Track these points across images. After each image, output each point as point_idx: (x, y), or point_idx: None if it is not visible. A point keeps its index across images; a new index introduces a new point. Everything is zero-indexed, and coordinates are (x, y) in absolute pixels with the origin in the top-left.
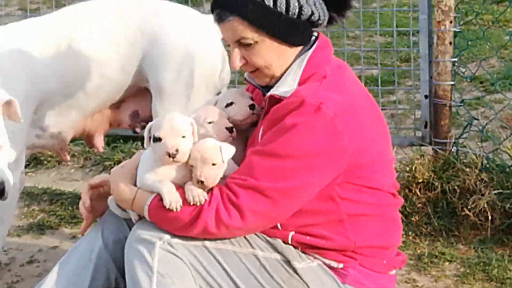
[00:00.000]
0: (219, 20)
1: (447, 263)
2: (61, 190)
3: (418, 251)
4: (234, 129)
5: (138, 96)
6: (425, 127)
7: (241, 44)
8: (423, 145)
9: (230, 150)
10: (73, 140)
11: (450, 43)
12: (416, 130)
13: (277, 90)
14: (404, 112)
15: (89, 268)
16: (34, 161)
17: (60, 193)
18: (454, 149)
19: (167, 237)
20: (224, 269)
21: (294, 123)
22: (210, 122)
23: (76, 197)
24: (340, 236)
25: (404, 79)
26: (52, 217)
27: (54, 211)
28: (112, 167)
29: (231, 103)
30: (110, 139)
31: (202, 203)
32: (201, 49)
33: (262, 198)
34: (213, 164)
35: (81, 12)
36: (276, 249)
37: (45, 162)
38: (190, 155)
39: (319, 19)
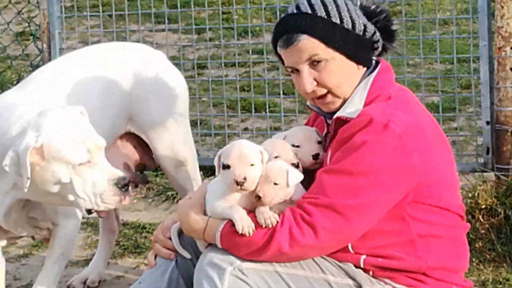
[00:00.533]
0: (288, 44)
1: None
2: (124, 220)
3: (483, 277)
4: (299, 165)
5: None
6: (487, 153)
7: (311, 65)
8: (486, 171)
9: (297, 176)
10: (139, 170)
11: (511, 69)
12: (478, 157)
13: (344, 112)
14: (465, 139)
15: (162, 287)
16: None
17: (123, 223)
18: None
19: (237, 262)
20: None
21: (363, 140)
22: (276, 157)
23: (139, 227)
24: (412, 256)
25: (465, 106)
26: (115, 247)
27: (118, 241)
28: (174, 197)
29: (297, 146)
30: None
31: (274, 225)
32: (180, 82)
33: (335, 216)
34: (275, 184)
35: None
36: (348, 274)
37: None
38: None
39: (378, 40)
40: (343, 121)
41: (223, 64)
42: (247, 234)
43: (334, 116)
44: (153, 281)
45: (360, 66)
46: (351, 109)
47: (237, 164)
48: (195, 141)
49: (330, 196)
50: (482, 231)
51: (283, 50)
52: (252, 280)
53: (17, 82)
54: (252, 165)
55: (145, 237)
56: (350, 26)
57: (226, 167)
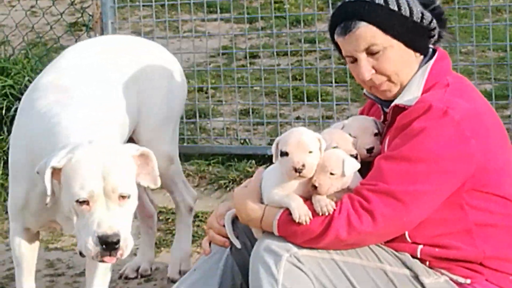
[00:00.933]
0: (346, 31)
1: None
2: None
3: None
4: (358, 157)
5: None
6: None
7: (369, 53)
8: None
9: (354, 165)
10: (188, 159)
11: None
12: None
13: (402, 100)
14: None
15: (216, 273)
16: None
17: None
18: None
19: (294, 250)
20: (351, 283)
21: (422, 127)
22: (334, 147)
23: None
24: (469, 246)
25: None
26: (168, 235)
27: (171, 229)
28: (227, 186)
29: (354, 137)
30: (225, 158)
31: (331, 212)
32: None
33: (394, 202)
34: (332, 174)
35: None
36: (404, 264)
37: None
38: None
39: (435, 28)
40: (401, 109)
41: (275, 53)
42: (304, 223)
43: (392, 104)
44: (207, 269)
45: (418, 54)
46: (409, 97)
47: (295, 151)
48: (247, 130)
49: (389, 182)
50: None
51: (341, 38)
52: (308, 268)
53: None
54: (310, 152)
55: (198, 225)
56: (407, 13)
57: (284, 154)
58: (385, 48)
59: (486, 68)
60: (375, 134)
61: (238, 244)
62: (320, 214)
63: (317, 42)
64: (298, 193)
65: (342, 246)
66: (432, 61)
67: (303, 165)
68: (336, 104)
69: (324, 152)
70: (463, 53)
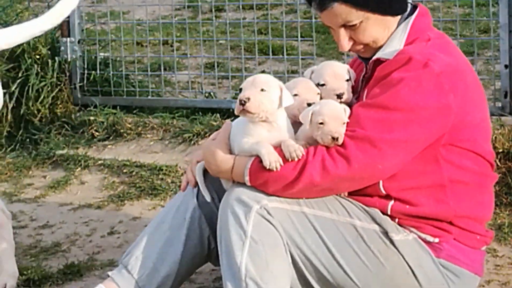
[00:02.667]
0: (321, 8)
1: None
2: (140, 162)
3: (499, 221)
4: None
5: None
6: (505, 97)
7: (346, 26)
8: (503, 115)
9: (349, 111)
10: (152, 112)
11: None
12: (495, 101)
13: (382, 53)
14: (483, 83)
15: (183, 227)
16: (114, 134)
17: (139, 165)
18: None
19: (265, 201)
20: (320, 236)
21: (401, 77)
22: (295, 95)
23: (156, 169)
24: (441, 203)
25: (484, 50)
26: (132, 188)
27: (134, 183)
28: (191, 139)
29: (322, 84)
30: (189, 111)
31: (300, 157)
32: None
33: (370, 148)
34: (343, 123)
35: None
36: (374, 220)
37: (125, 134)
38: (317, 113)
39: None
40: (381, 62)
41: (240, 7)
42: (275, 169)
43: (373, 58)
44: (174, 221)
45: (396, 16)
46: (390, 49)
47: (247, 87)
48: (212, 84)
49: (366, 128)
50: (499, 175)
51: (317, 12)
52: (277, 220)
53: None
54: (262, 90)
55: (162, 179)
56: None
57: (240, 90)
58: (361, 21)
59: (452, 24)
60: (347, 80)
61: (208, 197)
62: (290, 160)
63: None
64: (268, 141)
65: (316, 191)
66: (413, 17)
67: (248, 98)
68: (302, 59)
69: (326, 104)
70: (429, 9)
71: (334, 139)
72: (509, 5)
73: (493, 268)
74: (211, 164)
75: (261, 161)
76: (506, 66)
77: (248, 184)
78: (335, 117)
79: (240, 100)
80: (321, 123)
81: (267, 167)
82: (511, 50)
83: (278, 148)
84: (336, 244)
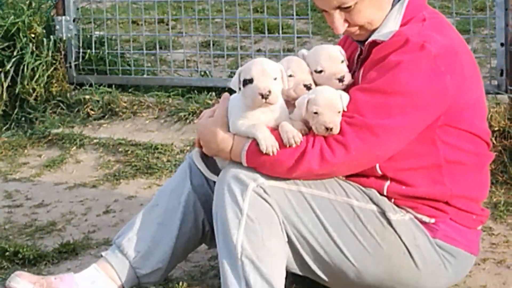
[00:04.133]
0: None
1: None
2: (136, 141)
3: (494, 200)
4: (312, 87)
5: None
6: (501, 75)
7: (341, 8)
8: (499, 93)
9: (346, 98)
10: (148, 91)
11: None
12: (491, 79)
13: (378, 34)
14: (479, 61)
15: (178, 211)
16: (109, 113)
17: (135, 144)
18: None
19: (261, 180)
20: (317, 215)
21: (399, 60)
22: (290, 75)
23: (151, 148)
24: (437, 184)
25: (480, 28)
26: (127, 167)
27: (130, 161)
28: (186, 118)
29: (320, 71)
30: (185, 90)
31: (298, 144)
32: None
33: (368, 135)
34: (338, 112)
35: None
36: (371, 200)
37: (120, 113)
38: (312, 101)
39: None
40: (377, 44)
41: None
42: (271, 154)
43: (369, 39)
44: (169, 204)
45: None
46: (386, 31)
47: (260, 77)
48: (208, 62)
49: (365, 115)
50: (495, 153)
51: None
52: (273, 199)
53: (30, 3)
54: (274, 79)
55: (157, 157)
56: None
57: (249, 81)
58: (356, 3)
59: (448, 2)
60: (342, 62)
61: (215, 178)
62: (288, 145)
63: None
64: (265, 123)
65: (313, 177)
66: None
67: (269, 91)
68: (297, 37)
69: (320, 92)
70: None
71: (328, 129)
72: None
73: (488, 246)
74: (210, 143)
75: (257, 144)
76: (502, 44)
77: (245, 165)
78: (329, 107)
79: (262, 94)
80: (316, 113)
81: (264, 152)
82: (507, 28)
83: (276, 131)
84: (333, 224)
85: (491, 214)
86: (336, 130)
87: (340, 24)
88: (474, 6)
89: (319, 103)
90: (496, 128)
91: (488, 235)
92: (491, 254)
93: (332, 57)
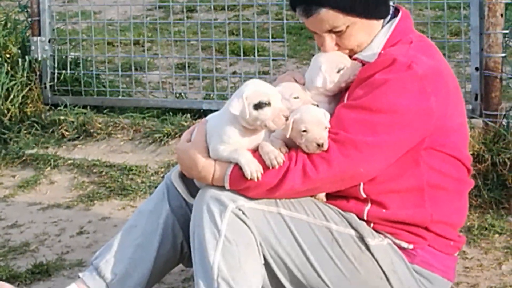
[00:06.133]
0: (307, 14)
1: (496, 235)
2: (110, 162)
3: (468, 223)
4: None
5: None
6: (476, 99)
7: (332, 32)
8: (474, 118)
9: (328, 115)
10: (123, 112)
11: (502, 15)
12: (466, 103)
13: (361, 55)
14: None
15: (156, 233)
16: (84, 134)
17: (109, 165)
18: (504, 121)
19: (241, 202)
20: (295, 238)
21: (385, 79)
22: (296, 97)
23: (126, 169)
24: (418, 207)
25: (455, 53)
26: (101, 188)
27: (104, 183)
28: (161, 139)
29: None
30: (160, 112)
31: (281, 164)
32: None
33: (353, 151)
34: (325, 128)
35: None
36: (350, 224)
37: (95, 134)
38: (298, 120)
39: None
40: (363, 64)
41: (212, 8)
42: (256, 179)
43: (353, 57)
44: (148, 226)
45: (381, 19)
46: (368, 52)
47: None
48: (183, 84)
49: (350, 131)
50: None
51: (303, 18)
52: (252, 221)
53: (5, 23)
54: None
55: (132, 179)
56: None
57: (266, 104)
58: (348, 26)
59: (423, 27)
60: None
61: (193, 201)
62: (271, 167)
63: None
64: (246, 146)
65: (296, 195)
66: (397, 20)
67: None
68: (273, 60)
69: (307, 111)
70: None
71: (319, 145)
72: (480, 8)
73: (462, 270)
74: (192, 170)
75: (240, 169)
76: (476, 69)
77: (228, 188)
78: (317, 123)
79: (287, 117)
80: (305, 131)
81: (248, 177)
82: (482, 53)
83: (257, 153)
84: (311, 247)
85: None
86: (326, 146)
87: (330, 47)
88: (449, 31)
89: (306, 121)
90: (471, 153)
91: (462, 259)
92: (465, 278)
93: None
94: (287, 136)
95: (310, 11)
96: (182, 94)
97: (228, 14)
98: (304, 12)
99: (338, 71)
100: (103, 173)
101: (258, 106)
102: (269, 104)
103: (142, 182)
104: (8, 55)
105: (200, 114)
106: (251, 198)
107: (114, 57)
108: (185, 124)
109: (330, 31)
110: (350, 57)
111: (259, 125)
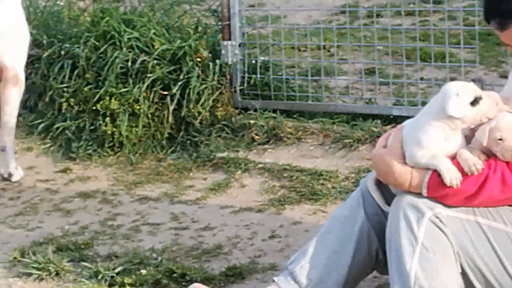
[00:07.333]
0: (502, 28)
1: None
2: (300, 166)
3: None
4: None
5: None
6: None
7: None
8: None
9: None
10: (312, 117)
11: None
12: None
13: None
14: None
15: (352, 239)
16: (274, 138)
17: (300, 169)
18: None
19: (438, 209)
20: (493, 247)
21: None
22: (500, 139)
23: (316, 174)
24: None
25: None
26: (292, 193)
27: (295, 187)
28: (351, 145)
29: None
30: (350, 117)
31: (480, 171)
32: None
33: None
34: None
35: None
36: None
37: (285, 139)
38: (494, 129)
39: None
40: None
41: (402, 13)
42: (455, 186)
43: None
44: (343, 233)
45: None
46: None
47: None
48: (370, 90)
49: None
50: None
51: (497, 31)
52: (449, 229)
53: (196, 27)
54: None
55: (322, 184)
56: None
57: (480, 98)
58: None
59: None
60: None
61: (388, 209)
62: (469, 173)
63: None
64: (445, 153)
65: (493, 203)
66: None
67: None
68: (463, 66)
69: (505, 119)
70: None
71: None
72: None
73: None
74: (388, 177)
75: (439, 175)
76: None
77: (425, 195)
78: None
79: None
80: (500, 139)
81: (448, 184)
82: None
83: (455, 160)
84: (509, 257)
85: None
86: None
87: None
88: None
89: (502, 129)
90: None
91: None
92: None
93: None
94: (484, 144)
95: (505, 25)
96: (372, 99)
97: (413, 20)
98: (499, 25)
99: None
100: (294, 178)
101: (475, 102)
102: (481, 97)
103: (333, 187)
104: (199, 59)
105: (390, 120)
106: (448, 206)
107: (300, 62)
108: (375, 130)
109: None
110: None
111: (480, 119)
